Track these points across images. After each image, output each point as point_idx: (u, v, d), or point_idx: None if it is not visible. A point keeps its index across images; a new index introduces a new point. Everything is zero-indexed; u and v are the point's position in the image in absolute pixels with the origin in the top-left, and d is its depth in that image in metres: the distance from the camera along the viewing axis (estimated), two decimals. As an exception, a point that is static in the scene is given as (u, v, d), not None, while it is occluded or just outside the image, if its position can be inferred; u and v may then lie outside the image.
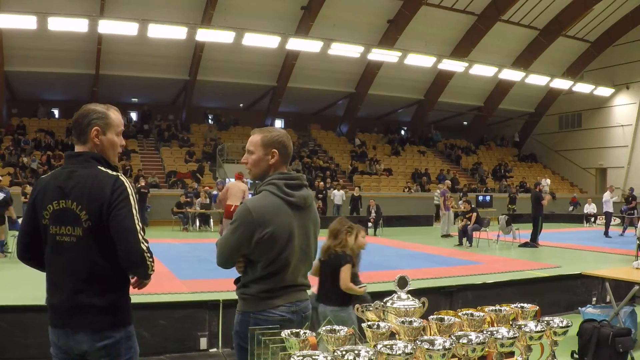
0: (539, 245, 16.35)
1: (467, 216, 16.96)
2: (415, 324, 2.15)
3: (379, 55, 27.00)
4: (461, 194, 24.79)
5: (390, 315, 2.32)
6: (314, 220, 2.98)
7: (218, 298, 6.18)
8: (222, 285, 8.02)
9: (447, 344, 1.94)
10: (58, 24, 20.71)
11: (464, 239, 16.63)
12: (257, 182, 2.96)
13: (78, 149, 2.68)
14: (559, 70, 33.22)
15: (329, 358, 1.86)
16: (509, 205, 26.93)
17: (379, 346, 1.91)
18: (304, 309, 2.89)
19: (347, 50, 25.80)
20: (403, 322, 2.16)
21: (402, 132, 37.46)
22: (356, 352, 1.83)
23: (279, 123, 33.68)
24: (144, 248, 2.51)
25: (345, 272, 4.84)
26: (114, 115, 2.72)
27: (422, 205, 27.34)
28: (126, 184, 2.57)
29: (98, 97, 27.50)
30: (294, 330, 2.13)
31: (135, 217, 2.53)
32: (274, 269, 2.77)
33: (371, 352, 1.84)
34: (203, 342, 5.99)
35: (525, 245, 16.41)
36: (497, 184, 32.74)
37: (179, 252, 14.69)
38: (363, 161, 31.62)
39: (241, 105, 33.40)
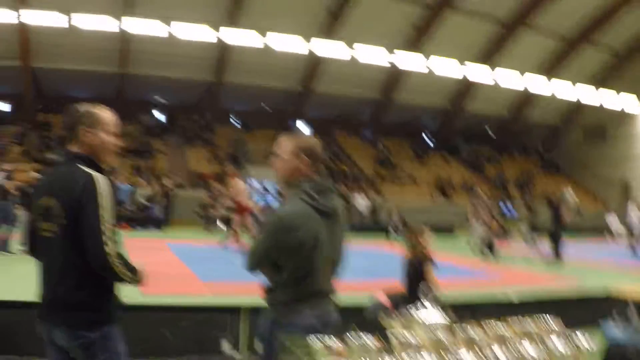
0: (563, 260, 16.11)
1: (490, 227, 16.79)
2: (439, 335, 2.16)
3: (404, 62, 27.01)
4: (501, 203, 24.37)
5: (414, 324, 2.33)
6: (342, 228, 2.99)
7: (241, 301, 6.17)
8: (245, 289, 7.97)
9: (472, 358, 1.95)
10: (86, 21, 21.00)
11: (488, 251, 16.45)
12: (284, 186, 2.99)
13: (70, 148, 2.73)
14: (585, 81, 32.87)
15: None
16: (527, 215, 26.48)
17: (404, 356, 1.93)
18: (329, 315, 2.89)
19: (372, 57, 25.86)
20: (427, 333, 2.17)
21: (427, 139, 37.33)
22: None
23: (304, 127, 33.76)
24: (108, 251, 2.49)
25: (428, 272, 5.29)
26: (104, 114, 2.75)
27: (445, 214, 27.16)
28: (98, 183, 2.56)
29: (124, 96, 27.88)
30: (320, 337, 2.13)
31: (101, 218, 2.50)
32: (300, 275, 2.79)
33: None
34: (225, 346, 6.01)
35: (549, 259, 16.19)
36: (521, 193, 32.40)
37: (201, 254, 14.73)
38: (387, 167, 31.52)
39: (267, 108, 33.55)
